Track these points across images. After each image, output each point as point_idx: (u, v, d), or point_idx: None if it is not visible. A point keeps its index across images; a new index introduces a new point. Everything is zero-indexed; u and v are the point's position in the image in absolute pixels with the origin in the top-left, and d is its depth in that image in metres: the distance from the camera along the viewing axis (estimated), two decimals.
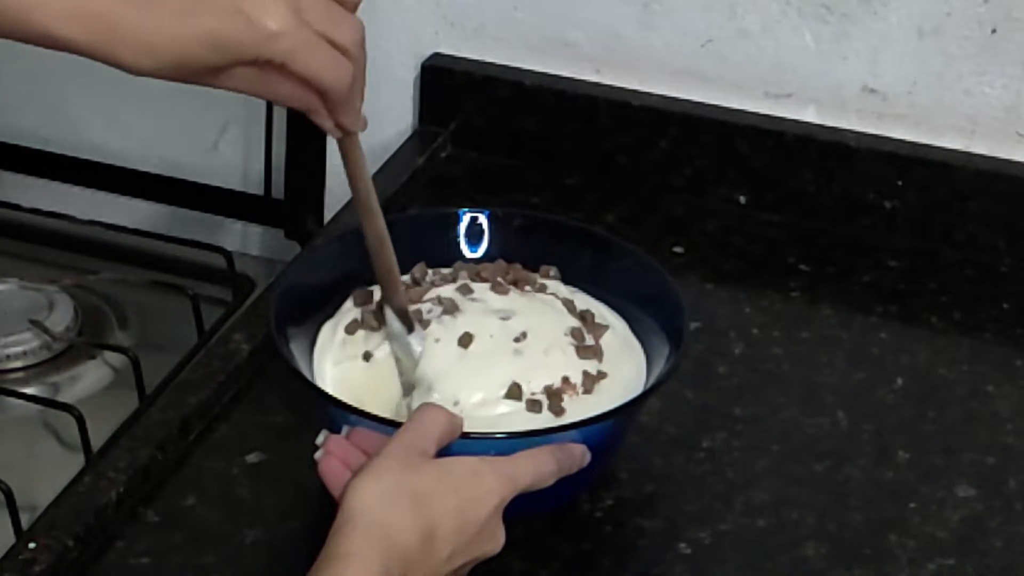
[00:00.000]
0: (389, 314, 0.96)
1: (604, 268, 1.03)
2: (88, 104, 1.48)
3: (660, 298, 0.99)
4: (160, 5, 0.76)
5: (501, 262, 1.04)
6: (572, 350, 0.96)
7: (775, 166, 1.27)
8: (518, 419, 0.91)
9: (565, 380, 0.94)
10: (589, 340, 0.97)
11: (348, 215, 1.23)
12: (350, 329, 0.99)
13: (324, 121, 0.85)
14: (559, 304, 1.00)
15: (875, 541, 0.96)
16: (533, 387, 0.93)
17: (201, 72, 0.78)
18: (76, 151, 1.50)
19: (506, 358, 0.94)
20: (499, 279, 1.01)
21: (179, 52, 0.77)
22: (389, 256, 0.96)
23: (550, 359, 0.95)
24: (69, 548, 0.90)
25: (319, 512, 0.86)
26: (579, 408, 0.92)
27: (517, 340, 0.95)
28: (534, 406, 0.92)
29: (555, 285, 1.03)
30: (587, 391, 0.94)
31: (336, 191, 1.40)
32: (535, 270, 1.04)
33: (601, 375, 0.96)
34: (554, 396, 0.93)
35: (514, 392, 0.92)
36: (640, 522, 0.97)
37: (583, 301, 1.02)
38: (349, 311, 1.00)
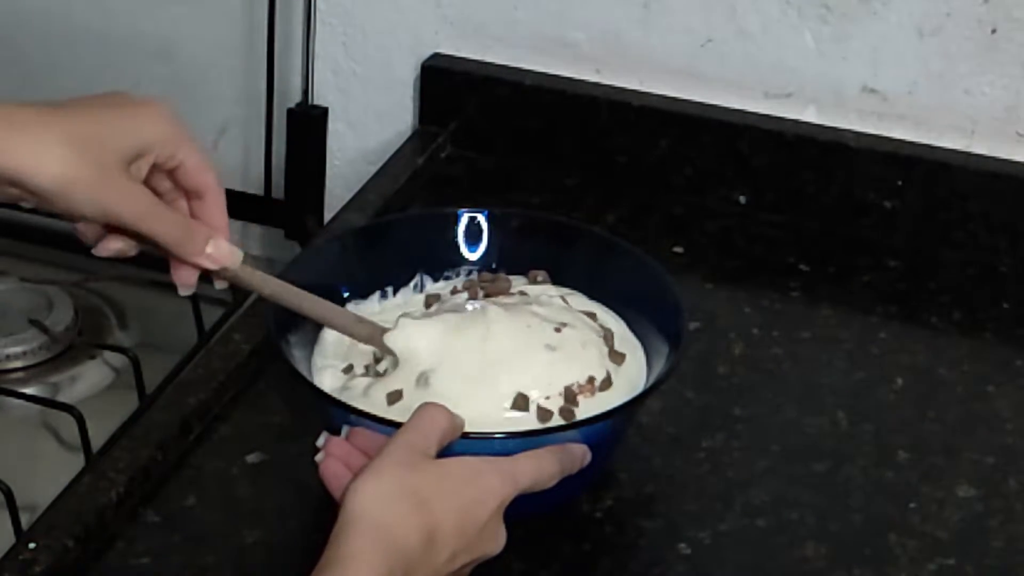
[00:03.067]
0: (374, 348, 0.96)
1: (604, 268, 1.03)
2: None
3: (660, 298, 0.99)
4: None
5: (474, 277, 1.04)
6: (606, 350, 0.96)
7: (775, 166, 1.27)
8: (520, 420, 0.91)
9: (591, 380, 0.93)
10: (617, 346, 0.97)
11: (348, 215, 1.23)
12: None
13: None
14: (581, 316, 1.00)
15: (875, 541, 0.96)
16: (552, 389, 0.92)
17: None
18: None
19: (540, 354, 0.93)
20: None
21: None
22: (337, 315, 0.96)
23: (587, 352, 0.94)
24: (69, 548, 0.90)
25: (319, 512, 0.86)
26: (579, 408, 0.92)
27: (557, 330, 0.94)
28: (545, 415, 0.91)
29: (543, 289, 1.02)
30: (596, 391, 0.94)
31: (336, 191, 1.40)
32: (531, 271, 1.04)
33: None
34: (571, 398, 0.92)
35: (519, 403, 0.91)
36: (640, 522, 0.97)
37: (579, 303, 1.01)
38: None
